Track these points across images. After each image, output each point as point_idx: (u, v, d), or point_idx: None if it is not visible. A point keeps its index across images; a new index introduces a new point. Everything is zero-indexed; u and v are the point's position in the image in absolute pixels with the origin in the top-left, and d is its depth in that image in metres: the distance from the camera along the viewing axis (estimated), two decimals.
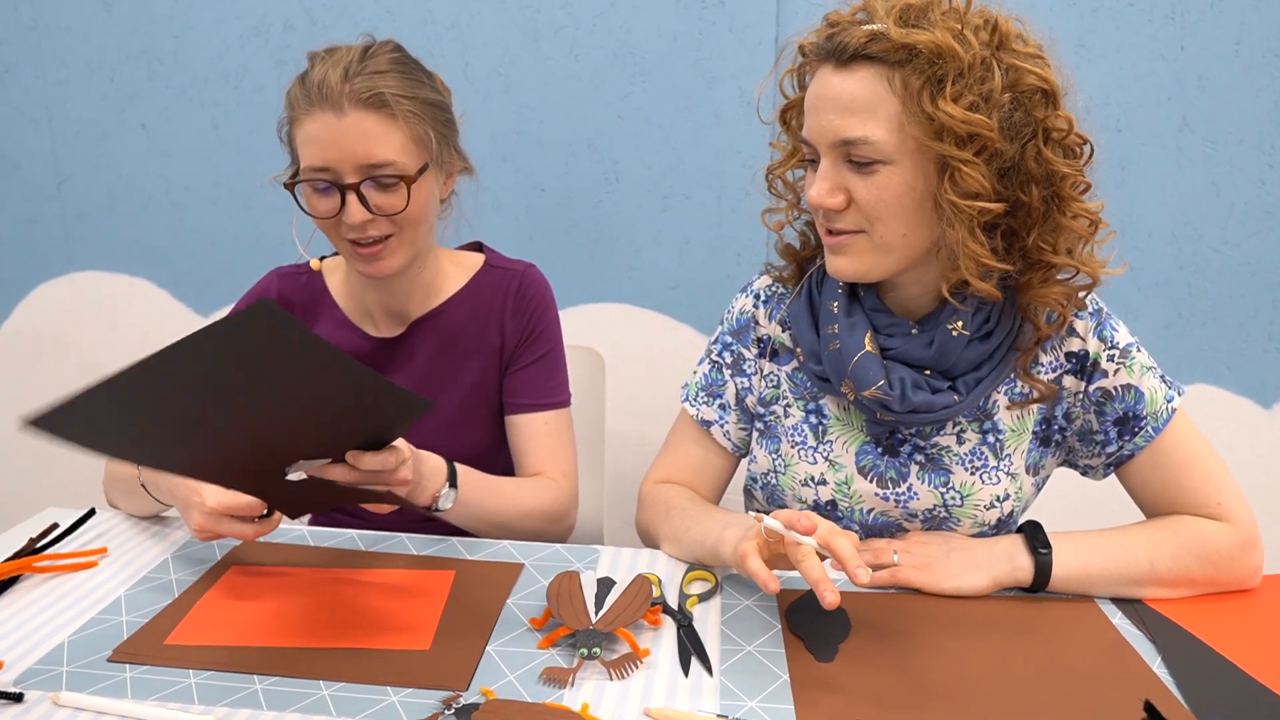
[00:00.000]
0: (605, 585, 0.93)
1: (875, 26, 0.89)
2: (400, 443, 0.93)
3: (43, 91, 1.90)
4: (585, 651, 0.83)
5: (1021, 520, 1.06)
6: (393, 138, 1.06)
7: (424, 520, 1.18)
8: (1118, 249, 0.97)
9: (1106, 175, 1.73)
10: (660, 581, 0.97)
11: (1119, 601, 0.96)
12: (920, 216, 0.93)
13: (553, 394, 1.27)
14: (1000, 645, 0.87)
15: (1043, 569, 0.95)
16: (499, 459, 1.29)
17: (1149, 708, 0.73)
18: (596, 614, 0.88)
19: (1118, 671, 0.83)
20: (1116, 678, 0.82)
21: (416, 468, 0.98)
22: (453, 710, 0.76)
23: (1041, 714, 0.77)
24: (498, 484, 1.15)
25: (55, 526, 1.09)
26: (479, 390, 1.25)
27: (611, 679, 0.82)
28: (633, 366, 1.87)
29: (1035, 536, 0.97)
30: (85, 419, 0.71)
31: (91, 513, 1.13)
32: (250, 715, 0.77)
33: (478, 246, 1.32)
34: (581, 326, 1.86)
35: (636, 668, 0.83)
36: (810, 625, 0.90)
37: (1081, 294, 0.98)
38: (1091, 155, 0.94)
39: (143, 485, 1.07)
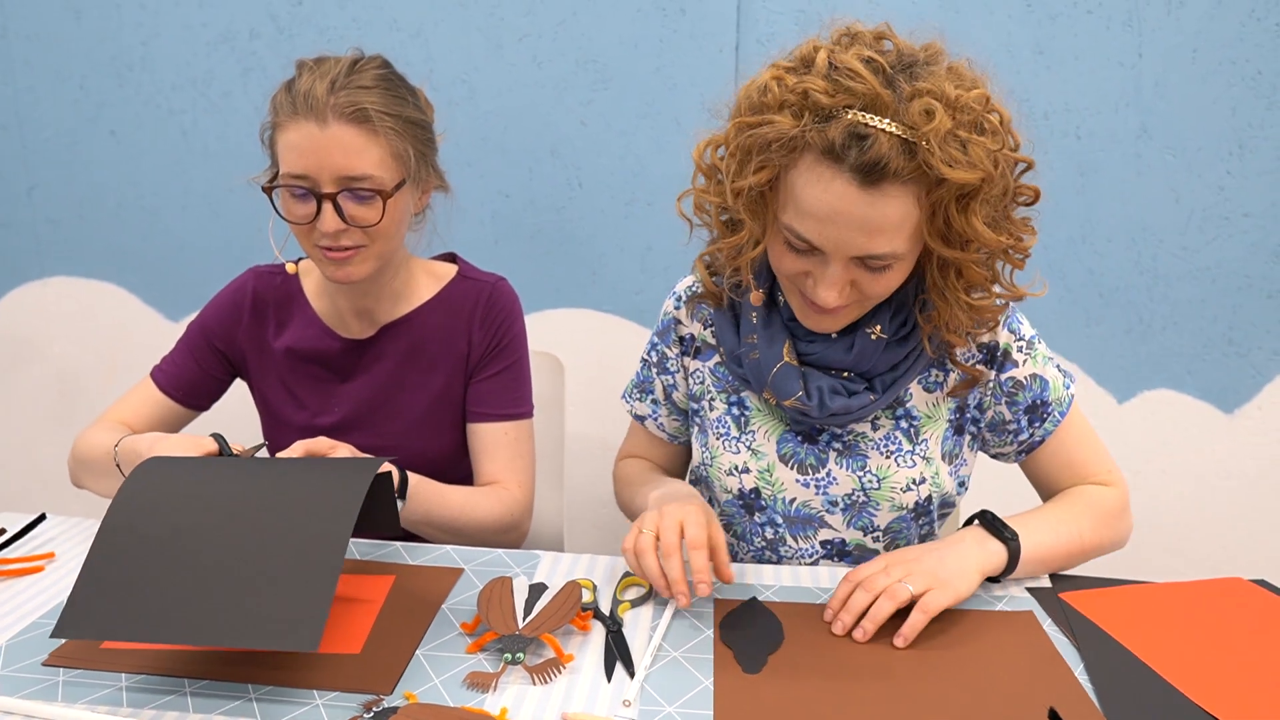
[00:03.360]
0: (537, 591, 0.94)
1: (896, 130, 0.84)
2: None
3: (12, 98, 1.91)
4: (509, 656, 0.84)
5: (948, 520, 1.08)
6: (372, 152, 1.08)
7: None
8: (1039, 271, 1.01)
9: (1066, 181, 1.77)
10: (595, 587, 0.98)
11: (1049, 608, 0.97)
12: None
13: (515, 405, 1.28)
14: (930, 658, 0.88)
15: (1014, 554, 0.97)
16: (462, 465, 1.30)
17: (1053, 715, 0.74)
18: (525, 619, 0.89)
19: (1043, 681, 0.84)
20: (1040, 687, 0.83)
21: None
22: (372, 714, 0.77)
23: None
24: (449, 493, 1.16)
25: (3, 531, 1.10)
26: (444, 397, 1.27)
27: (535, 684, 0.83)
28: (595, 371, 1.88)
29: (994, 524, 0.99)
30: (97, 610, 0.81)
31: (42, 518, 1.14)
32: (177, 717, 0.78)
33: (451, 258, 1.34)
34: (545, 332, 1.87)
35: (559, 673, 0.84)
36: (741, 636, 0.91)
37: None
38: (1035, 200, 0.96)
39: (117, 465, 1.10)
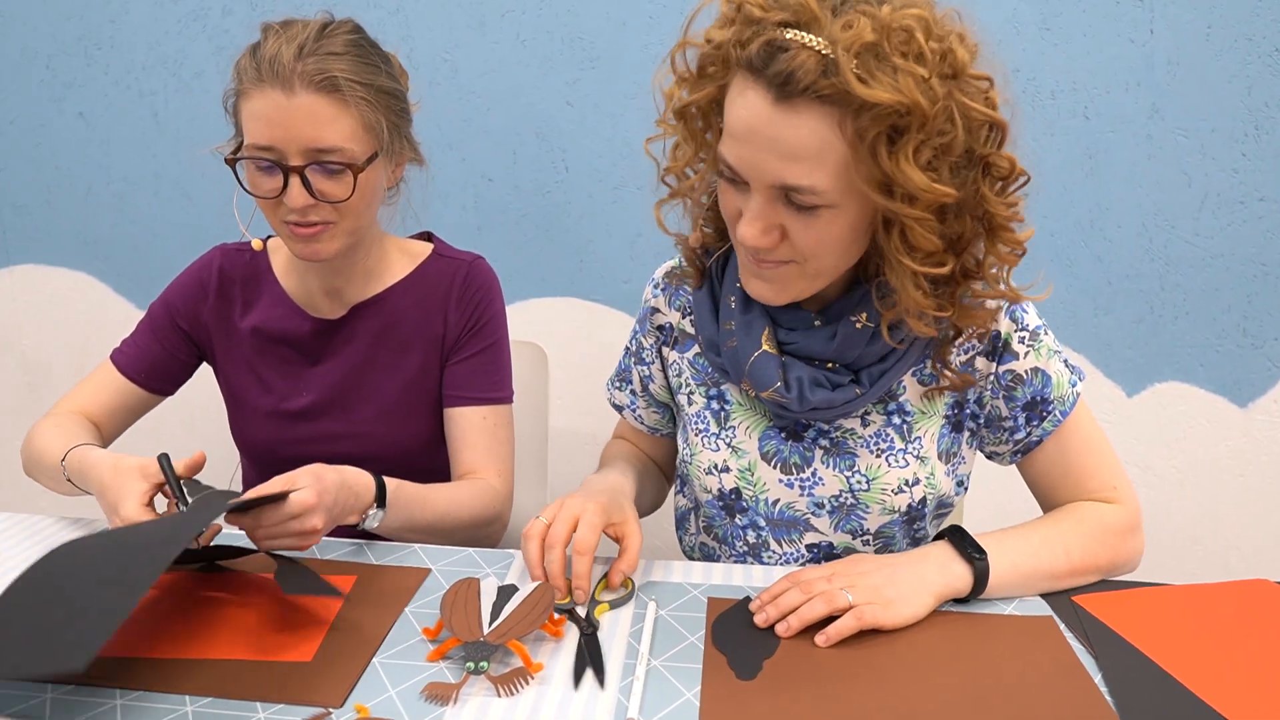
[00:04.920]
0: (506, 593, 0.87)
1: (819, 45, 0.76)
2: (306, 492, 0.89)
3: None
4: (472, 665, 0.77)
5: (948, 520, 1.00)
6: (343, 123, 1.03)
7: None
8: (1044, 271, 0.93)
9: (1074, 164, 1.70)
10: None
11: (1062, 613, 0.90)
12: (856, 247, 0.88)
13: (493, 389, 1.22)
14: (940, 665, 0.80)
15: (980, 575, 0.89)
16: (439, 453, 1.24)
17: None
18: (491, 624, 0.82)
19: (1059, 691, 0.77)
20: (1056, 698, 0.76)
21: (343, 493, 0.95)
22: None
23: None
24: (431, 495, 1.09)
25: None
26: (419, 381, 1.21)
27: (499, 695, 0.75)
28: (581, 363, 1.81)
29: (964, 543, 0.91)
30: None
31: None
32: None
33: (428, 237, 1.29)
34: (529, 321, 1.81)
35: (526, 684, 0.77)
36: (736, 639, 0.84)
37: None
38: (1027, 183, 0.86)
39: (68, 479, 1.05)
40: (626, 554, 0.92)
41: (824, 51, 0.76)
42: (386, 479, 1.03)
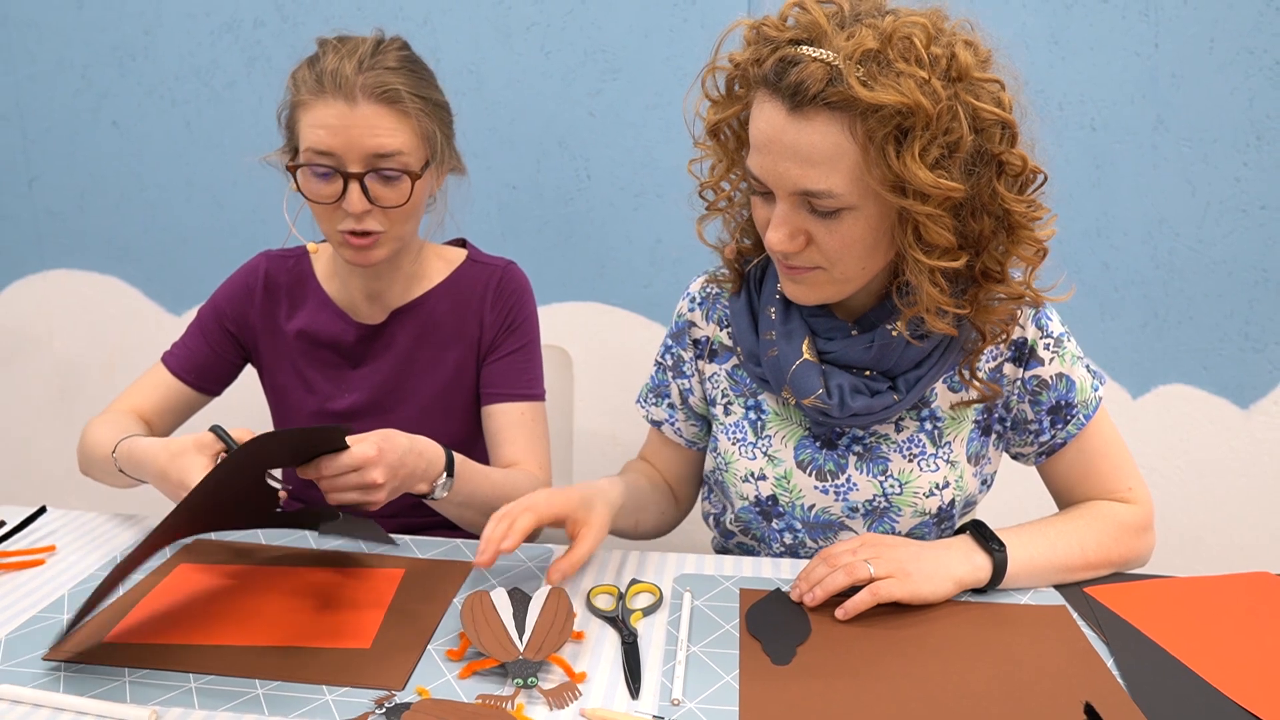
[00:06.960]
0: (520, 600, 0.89)
1: (826, 57, 0.82)
2: (367, 445, 0.93)
3: (13, 88, 1.89)
4: (521, 681, 0.78)
5: (969, 517, 1.04)
6: (402, 133, 1.08)
7: (410, 509, 1.23)
8: (1065, 272, 0.97)
9: (1081, 173, 1.75)
10: (620, 594, 0.95)
11: (1075, 603, 0.95)
12: (880, 248, 0.92)
13: (529, 386, 1.27)
14: (962, 652, 0.85)
15: (999, 566, 0.94)
16: (475, 450, 1.28)
17: (1089, 710, 0.72)
18: (520, 638, 0.83)
19: (1077, 677, 0.82)
20: (1074, 683, 0.81)
21: (410, 456, 0.98)
22: (384, 709, 0.75)
23: None
24: (489, 473, 1.14)
25: (2, 524, 1.08)
26: (456, 381, 1.26)
27: (552, 708, 0.77)
28: (604, 366, 1.86)
29: (984, 535, 0.96)
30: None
31: (42, 510, 1.12)
32: (181, 713, 0.75)
33: (461, 243, 1.33)
34: (553, 325, 1.84)
35: (576, 696, 0.79)
36: (769, 627, 0.89)
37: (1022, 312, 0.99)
38: (1044, 183, 0.91)
39: (120, 470, 1.08)
40: (570, 553, 0.93)
41: (830, 61, 0.82)
42: (455, 453, 1.07)
